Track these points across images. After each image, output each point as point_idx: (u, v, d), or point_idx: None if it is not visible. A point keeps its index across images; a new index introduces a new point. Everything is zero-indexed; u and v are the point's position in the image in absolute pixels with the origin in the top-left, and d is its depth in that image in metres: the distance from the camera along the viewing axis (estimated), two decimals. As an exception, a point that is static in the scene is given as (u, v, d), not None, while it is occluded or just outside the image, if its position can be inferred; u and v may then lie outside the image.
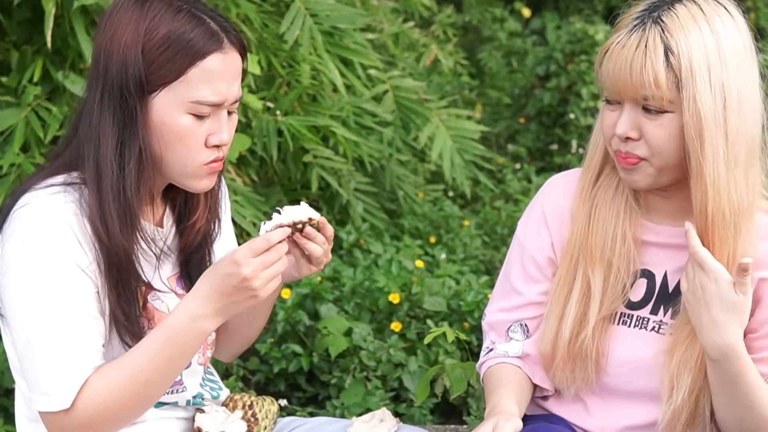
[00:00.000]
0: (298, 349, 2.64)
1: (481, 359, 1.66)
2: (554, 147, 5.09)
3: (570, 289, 1.57)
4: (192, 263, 1.55)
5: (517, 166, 4.92)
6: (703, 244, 1.46)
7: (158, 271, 1.50)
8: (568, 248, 1.57)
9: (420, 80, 3.89)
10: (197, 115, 1.41)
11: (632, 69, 1.44)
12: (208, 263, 1.55)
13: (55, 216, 1.39)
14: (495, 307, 1.65)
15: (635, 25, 1.47)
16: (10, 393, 2.48)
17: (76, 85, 2.53)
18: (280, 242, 1.38)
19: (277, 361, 2.63)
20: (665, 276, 1.56)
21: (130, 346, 1.44)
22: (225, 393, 1.62)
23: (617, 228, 1.54)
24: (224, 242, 1.62)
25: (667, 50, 1.44)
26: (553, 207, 1.61)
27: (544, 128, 5.16)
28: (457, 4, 6.10)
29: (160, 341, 1.39)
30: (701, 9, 1.47)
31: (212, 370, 1.64)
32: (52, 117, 2.55)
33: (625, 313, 1.56)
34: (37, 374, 1.38)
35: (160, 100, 1.40)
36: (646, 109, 1.46)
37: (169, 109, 1.40)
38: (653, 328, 1.56)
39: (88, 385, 1.38)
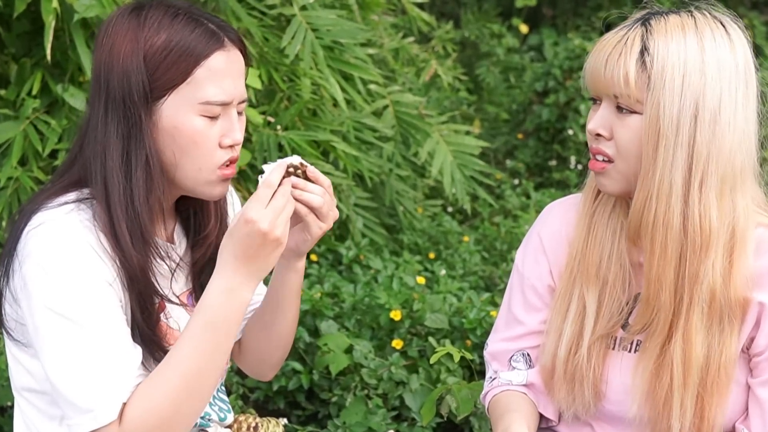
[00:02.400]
0: (297, 366, 2.61)
1: (486, 388, 1.65)
2: (553, 163, 5.09)
3: (567, 306, 1.55)
4: (205, 275, 1.52)
5: (516, 181, 4.92)
6: (642, 248, 1.45)
7: (171, 286, 1.48)
8: (567, 265, 1.57)
9: (419, 95, 3.88)
10: (209, 117, 1.40)
11: (607, 64, 1.43)
12: None
13: (74, 234, 1.36)
14: (497, 337, 1.65)
15: (625, 26, 1.47)
16: (4, 411, 2.44)
17: (75, 99, 2.51)
18: (281, 186, 1.35)
19: (277, 379, 2.60)
20: None
21: (153, 356, 1.41)
22: (231, 417, 1.59)
23: (613, 247, 1.53)
24: None
25: (644, 49, 1.42)
26: (550, 234, 1.60)
27: (542, 144, 5.15)
28: (455, 20, 6.11)
29: (201, 327, 1.34)
30: (695, 21, 1.45)
31: (224, 389, 1.61)
32: (51, 130, 2.53)
33: (625, 338, 1.54)
34: (76, 394, 1.33)
35: (169, 105, 1.39)
36: (618, 108, 1.45)
37: (179, 112, 1.39)
38: None
39: (135, 395, 1.33)
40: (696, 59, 1.42)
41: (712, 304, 1.45)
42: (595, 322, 1.52)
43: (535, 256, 1.61)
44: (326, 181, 1.41)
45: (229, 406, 1.60)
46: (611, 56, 1.43)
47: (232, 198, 1.61)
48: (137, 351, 1.38)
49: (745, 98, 1.45)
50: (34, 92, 2.55)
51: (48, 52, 2.40)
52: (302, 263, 1.51)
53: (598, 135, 1.47)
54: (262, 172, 1.37)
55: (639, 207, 1.45)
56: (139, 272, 1.39)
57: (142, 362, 1.39)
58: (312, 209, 1.41)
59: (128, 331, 1.38)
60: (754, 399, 1.48)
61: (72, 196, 1.41)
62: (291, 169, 1.37)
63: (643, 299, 1.48)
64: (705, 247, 1.44)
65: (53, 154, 2.59)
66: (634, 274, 1.52)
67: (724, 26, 1.46)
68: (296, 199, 1.38)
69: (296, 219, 1.42)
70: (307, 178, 1.39)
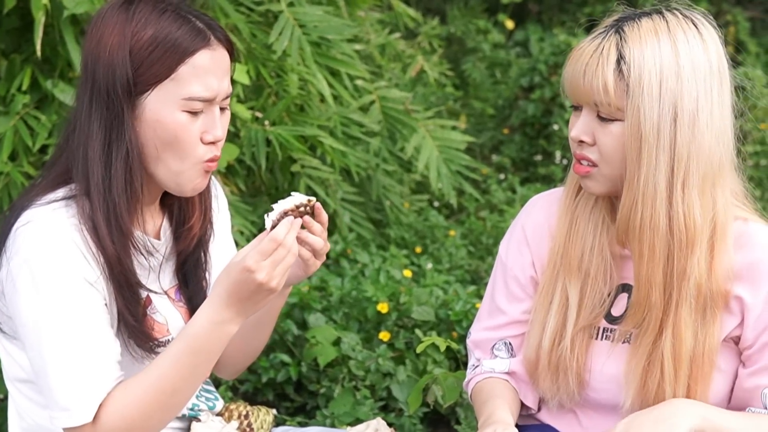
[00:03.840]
0: (286, 358, 2.63)
1: (469, 376, 1.67)
2: (538, 158, 5.12)
3: (551, 298, 1.58)
4: (188, 266, 1.56)
5: (502, 176, 4.94)
6: (630, 250, 1.49)
7: (158, 281, 1.50)
8: (549, 259, 1.59)
9: (406, 91, 3.90)
10: (190, 112, 1.42)
11: (585, 74, 1.46)
12: (203, 265, 1.56)
13: (58, 234, 1.39)
14: (480, 326, 1.68)
15: (599, 33, 1.49)
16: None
17: (65, 94, 2.51)
18: (288, 233, 1.38)
19: (266, 371, 2.62)
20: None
21: (138, 348, 1.44)
22: (220, 404, 1.62)
23: (595, 240, 1.56)
24: (220, 243, 1.62)
25: (620, 58, 1.45)
26: (533, 226, 1.63)
27: (528, 139, 5.18)
28: (442, 16, 6.13)
29: (183, 350, 1.39)
30: (667, 24, 1.47)
31: (209, 380, 1.64)
32: (41, 126, 2.54)
33: (608, 328, 1.57)
34: (56, 390, 1.37)
35: (152, 99, 1.41)
36: (599, 116, 1.48)
37: (162, 107, 1.41)
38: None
39: (111, 397, 1.37)
40: (671, 63, 1.45)
41: (698, 297, 1.49)
42: (577, 313, 1.55)
43: (518, 247, 1.64)
44: (326, 217, 1.45)
45: (216, 395, 1.63)
46: (588, 66, 1.46)
47: (216, 190, 1.64)
48: (117, 349, 1.41)
49: (720, 95, 1.48)
50: (24, 88, 2.55)
51: (38, 47, 2.41)
52: (289, 290, 1.55)
53: (581, 141, 1.50)
54: (271, 209, 1.40)
55: (626, 211, 1.48)
56: (117, 263, 1.41)
57: (130, 352, 1.43)
58: (313, 252, 1.46)
59: (109, 330, 1.41)
60: (741, 388, 1.52)
61: (60, 193, 1.44)
62: (302, 209, 1.40)
63: (633, 301, 1.52)
64: (691, 245, 1.47)
65: (43, 149, 2.60)
66: (615, 266, 1.55)
67: (695, 26, 1.48)
68: (301, 242, 1.43)
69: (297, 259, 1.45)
70: (312, 215, 1.42)
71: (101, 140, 1.41)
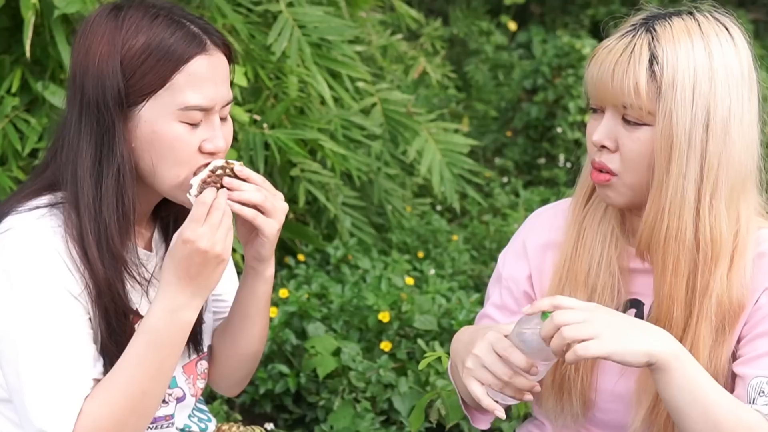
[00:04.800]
0: (284, 369, 2.57)
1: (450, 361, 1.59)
2: (542, 161, 5.07)
3: None
4: None
5: (505, 179, 4.89)
6: (651, 263, 1.42)
7: (147, 297, 1.43)
8: (555, 273, 1.52)
9: (408, 93, 3.84)
10: (189, 123, 1.35)
11: (614, 73, 1.38)
12: None
13: (42, 241, 1.32)
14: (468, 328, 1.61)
15: (627, 32, 1.41)
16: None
17: (55, 97, 2.45)
18: (215, 198, 1.31)
19: (263, 382, 2.56)
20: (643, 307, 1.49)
21: None
22: (213, 425, 1.54)
23: (603, 254, 1.48)
24: None
25: (653, 58, 1.38)
26: (535, 241, 1.56)
27: (531, 142, 5.13)
28: (444, 17, 6.07)
29: (144, 347, 1.31)
30: (699, 25, 1.40)
31: (201, 399, 1.56)
32: (31, 129, 2.47)
33: None
34: (31, 409, 1.30)
35: (147, 111, 1.34)
36: (624, 120, 1.40)
37: (158, 118, 1.34)
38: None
39: (83, 413, 1.30)
40: (705, 66, 1.38)
41: (718, 314, 1.42)
42: None
43: (516, 260, 1.57)
44: (258, 177, 1.36)
45: (210, 416, 1.55)
46: (618, 65, 1.38)
47: None
48: (99, 367, 1.34)
49: (750, 103, 1.41)
50: (13, 90, 2.49)
51: (27, 48, 2.34)
52: (270, 271, 1.46)
53: (602, 147, 1.42)
54: (190, 186, 1.33)
55: (650, 222, 1.40)
56: (106, 287, 1.34)
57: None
58: (255, 207, 1.36)
59: (91, 346, 1.34)
60: (737, 379, 1.42)
61: (44, 199, 1.36)
62: (219, 172, 1.33)
63: (653, 317, 1.44)
64: (716, 259, 1.40)
65: (33, 153, 2.53)
66: (623, 280, 1.48)
67: (727, 29, 1.41)
68: (235, 201, 1.34)
69: (250, 226, 1.38)
70: (237, 178, 1.34)
71: (91, 156, 1.34)
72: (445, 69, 4.92)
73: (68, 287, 1.32)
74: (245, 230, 1.40)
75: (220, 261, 1.30)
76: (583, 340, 1.27)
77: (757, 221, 1.46)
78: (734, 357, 1.45)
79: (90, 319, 1.35)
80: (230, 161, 1.34)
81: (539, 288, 1.55)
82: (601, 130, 1.42)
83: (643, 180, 1.41)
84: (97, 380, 1.34)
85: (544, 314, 1.31)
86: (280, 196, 1.38)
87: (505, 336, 1.36)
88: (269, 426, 2.40)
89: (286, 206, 1.38)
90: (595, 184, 1.46)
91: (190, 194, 1.32)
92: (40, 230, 1.32)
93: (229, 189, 1.33)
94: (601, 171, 1.44)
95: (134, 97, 1.33)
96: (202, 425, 1.52)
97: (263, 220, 1.36)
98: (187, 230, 1.29)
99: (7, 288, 1.31)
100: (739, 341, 1.45)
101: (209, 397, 2.51)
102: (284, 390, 2.56)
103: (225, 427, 1.52)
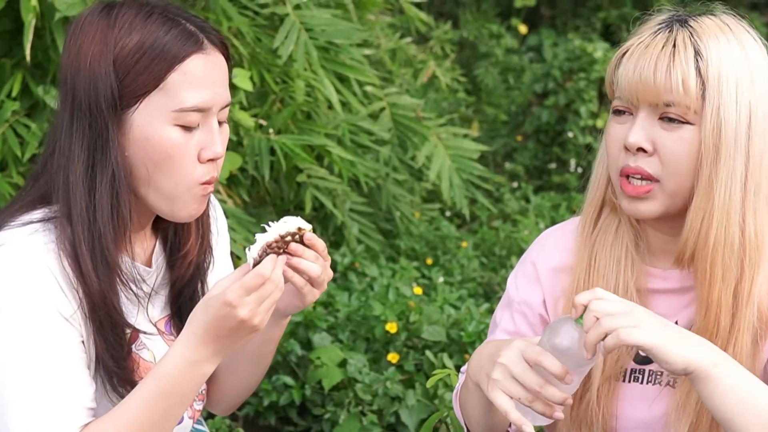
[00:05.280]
0: (289, 380, 2.51)
1: (457, 385, 1.50)
2: (552, 166, 5.01)
3: None
4: (183, 298, 1.42)
5: (515, 184, 4.83)
6: (694, 272, 1.34)
7: (146, 313, 1.37)
8: (568, 299, 1.44)
9: (417, 97, 3.80)
10: (185, 127, 1.28)
11: (657, 69, 1.30)
12: (200, 298, 1.41)
13: (33, 261, 1.25)
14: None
15: (660, 28, 1.34)
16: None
17: (57, 101, 2.40)
18: (274, 269, 1.24)
19: (268, 394, 2.51)
20: (676, 324, 1.38)
21: (121, 394, 1.30)
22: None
23: (619, 278, 1.40)
24: (219, 273, 1.47)
25: (697, 53, 1.31)
26: (546, 264, 1.48)
27: (542, 146, 5.07)
28: (454, 20, 6.02)
29: (154, 393, 1.25)
30: (727, 24, 1.36)
31: (201, 419, 1.51)
32: (31, 134, 2.43)
33: (636, 369, 1.42)
34: None
35: (140, 114, 1.27)
36: (663, 119, 1.33)
37: (151, 122, 1.27)
38: (668, 383, 1.41)
39: None
40: (743, 64, 1.33)
41: (759, 322, 1.35)
42: (603, 362, 1.40)
43: (528, 284, 1.49)
44: (322, 244, 1.29)
45: (208, 432, 1.50)
46: (661, 60, 1.31)
47: (215, 212, 1.50)
48: (89, 391, 1.28)
49: None
50: (14, 94, 2.44)
51: (28, 52, 2.30)
52: (287, 320, 1.42)
53: (639, 150, 1.33)
54: (254, 241, 1.26)
55: (695, 228, 1.33)
56: (100, 300, 1.27)
57: (109, 396, 1.29)
58: (310, 280, 1.31)
59: (83, 372, 1.28)
60: None
61: (38, 213, 1.30)
62: (288, 239, 1.27)
63: (699, 328, 1.36)
64: (758, 263, 1.34)
65: (34, 158, 2.48)
66: (642, 304, 1.39)
67: (746, 30, 1.37)
68: (293, 268, 1.28)
69: (293, 290, 1.32)
70: (303, 244, 1.28)
71: (84, 162, 1.27)
72: (454, 73, 4.87)
73: (60, 309, 1.26)
74: (287, 292, 1.33)
75: (253, 331, 1.25)
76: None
77: None
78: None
79: (83, 342, 1.29)
80: (302, 227, 1.27)
81: (553, 314, 1.47)
82: (637, 131, 1.33)
83: (685, 185, 1.34)
84: (91, 408, 1.28)
85: (579, 320, 1.23)
86: (329, 264, 1.32)
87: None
88: (273, 440, 2.35)
89: (332, 275, 1.33)
90: (628, 198, 1.36)
91: (249, 249, 1.25)
92: (31, 248, 1.26)
93: (290, 254, 1.27)
94: (637, 179, 1.34)
95: (127, 99, 1.26)
96: (200, 444, 1.47)
97: (309, 290, 1.32)
98: (232, 293, 1.22)
99: None
100: None
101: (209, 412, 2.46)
102: (289, 402, 2.50)
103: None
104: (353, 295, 2.81)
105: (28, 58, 2.31)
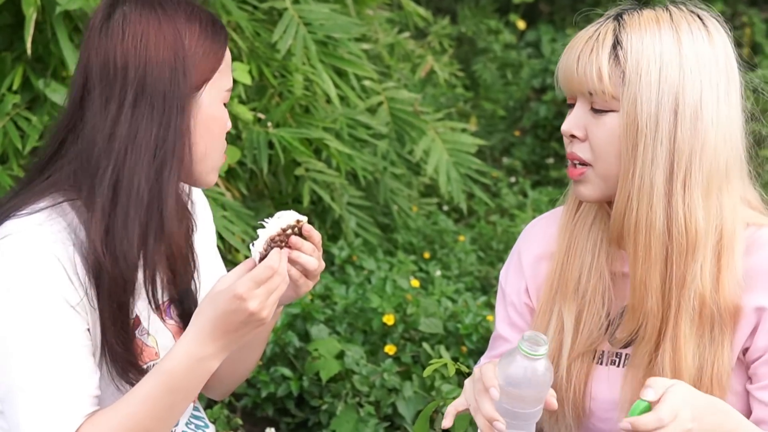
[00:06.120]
0: (287, 372, 2.53)
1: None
2: (550, 161, 5.02)
3: (547, 323, 1.49)
4: (180, 280, 1.45)
5: (512, 179, 4.85)
6: (628, 254, 1.38)
7: (150, 297, 1.40)
8: (547, 281, 1.51)
9: (415, 92, 3.81)
10: (225, 105, 1.41)
11: (579, 61, 1.38)
12: (192, 264, 1.45)
13: (41, 250, 1.28)
14: (486, 355, 1.62)
15: (597, 22, 1.41)
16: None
17: (57, 94, 2.42)
18: (281, 262, 1.30)
19: (265, 385, 2.52)
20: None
21: (129, 380, 1.33)
22: (211, 430, 1.51)
23: (593, 261, 1.46)
24: (206, 258, 1.52)
25: (617, 44, 1.36)
26: (529, 253, 1.55)
27: (539, 141, 5.09)
28: (452, 15, 6.03)
29: (160, 388, 1.28)
30: (671, 16, 1.39)
31: (198, 405, 1.53)
32: (32, 127, 2.44)
33: (614, 353, 1.47)
34: (23, 423, 1.26)
35: (206, 95, 1.37)
36: (593, 109, 1.39)
37: (213, 101, 1.38)
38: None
39: None
40: (672, 52, 1.36)
41: (702, 311, 1.38)
42: (573, 340, 1.46)
43: (514, 274, 1.56)
44: (318, 235, 1.35)
45: (206, 421, 1.52)
46: (583, 53, 1.37)
47: (197, 197, 1.55)
48: (93, 380, 1.30)
49: (726, 94, 1.38)
50: (14, 88, 2.46)
51: (28, 45, 2.32)
52: (281, 309, 1.46)
53: (572, 137, 1.40)
54: (262, 226, 1.31)
55: (620, 208, 1.38)
56: (123, 284, 1.31)
57: (114, 381, 1.31)
58: (305, 272, 1.36)
59: (89, 360, 1.31)
60: (759, 403, 1.40)
61: (46, 201, 1.32)
62: (289, 231, 1.32)
63: (629, 306, 1.42)
64: (691, 250, 1.37)
65: (34, 151, 2.50)
66: (615, 285, 1.46)
67: (701, 19, 1.40)
68: (291, 261, 1.33)
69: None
70: (301, 235, 1.33)
71: (152, 147, 1.31)
72: (452, 68, 4.88)
73: (67, 297, 1.29)
74: None
75: (260, 324, 1.29)
76: None
77: (746, 216, 1.42)
78: (746, 366, 1.41)
79: (89, 330, 1.31)
80: (300, 219, 1.33)
81: (535, 299, 1.52)
82: (570, 119, 1.40)
83: (613, 169, 1.39)
84: (96, 396, 1.30)
85: (520, 346, 1.27)
86: (321, 260, 1.38)
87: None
88: (271, 430, 2.38)
89: (323, 266, 1.39)
90: (572, 180, 1.43)
91: (253, 245, 1.29)
92: (39, 238, 1.29)
93: (290, 248, 1.32)
94: (574, 165, 1.42)
95: (198, 82, 1.34)
96: (199, 431, 1.49)
97: (304, 282, 1.37)
98: (242, 286, 1.26)
99: (4, 298, 1.27)
100: (745, 351, 1.41)
101: (210, 400, 2.48)
102: (287, 393, 2.52)
103: (226, 434, 1.48)
104: (351, 288, 2.83)
105: (29, 51, 2.33)
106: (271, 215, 1.33)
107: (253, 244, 1.30)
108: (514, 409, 1.29)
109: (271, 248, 1.29)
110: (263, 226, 1.31)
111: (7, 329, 1.27)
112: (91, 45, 1.33)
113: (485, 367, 1.34)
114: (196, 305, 1.44)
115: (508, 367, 1.29)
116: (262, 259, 1.28)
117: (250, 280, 1.26)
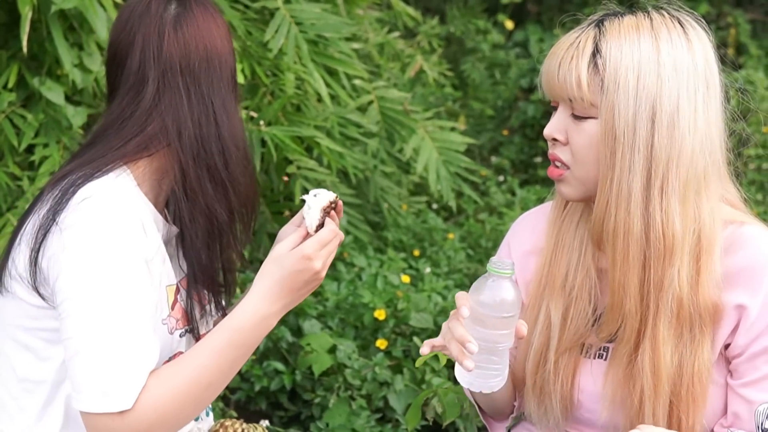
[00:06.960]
0: (280, 366, 2.56)
1: None
2: (538, 160, 5.07)
3: (536, 318, 1.52)
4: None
5: (501, 178, 4.89)
6: (607, 257, 1.42)
7: (178, 263, 1.49)
8: (536, 276, 1.54)
9: (404, 91, 3.84)
10: None
11: (560, 67, 1.40)
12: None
13: (120, 208, 1.36)
14: None
15: (578, 28, 1.43)
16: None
17: (52, 92, 2.44)
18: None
19: (259, 379, 2.55)
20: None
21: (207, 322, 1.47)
22: (210, 419, 1.54)
23: (580, 257, 1.49)
24: None
25: (596, 51, 1.39)
26: (518, 246, 1.58)
27: (527, 141, 5.13)
28: (441, 16, 6.07)
29: (225, 343, 1.36)
30: (651, 22, 1.41)
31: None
32: (27, 125, 2.46)
33: (601, 347, 1.50)
34: (96, 373, 1.30)
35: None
36: (574, 115, 1.42)
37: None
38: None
39: (147, 389, 1.32)
40: (651, 60, 1.38)
41: (680, 312, 1.41)
42: (560, 335, 1.49)
43: None
44: (341, 206, 1.48)
45: (207, 409, 1.55)
46: (563, 60, 1.40)
47: None
48: (157, 339, 1.37)
49: (705, 100, 1.40)
50: (10, 86, 2.48)
51: (24, 44, 2.34)
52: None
53: (554, 140, 1.44)
54: (310, 205, 1.42)
55: (600, 213, 1.41)
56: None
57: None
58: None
59: (154, 316, 1.38)
60: (739, 399, 1.43)
61: (119, 163, 1.41)
62: (332, 205, 1.44)
63: (608, 307, 1.45)
64: (669, 255, 1.40)
65: (30, 149, 2.52)
66: (600, 283, 1.49)
67: (682, 26, 1.41)
68: None
69: None
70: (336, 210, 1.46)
71: (237, 114, 1.45)
72: (441, 67, 4.91)
73: (144, 253, 1.36)
74: None
75: (318, 283, 1.41)
76: None
77: (727, 213, 1.45)
78: (727, 360, 1.45)
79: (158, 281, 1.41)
80: (336, 196, 1.45)
81: (524, 293, 1.55)
82: (552, 123, 1.44)
83: (592, 173, 1.42)
84: (157, 354, 1.37)
85: (488, 267, 1.34)
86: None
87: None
88: (265, 423, 2.40)
89: (343, 237, 1.51)
90: (553, 180, 1.47)
91: (307, 214, 1.41)
92: (117, 195, 1.36)
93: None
94: (555, 165, 1.45)
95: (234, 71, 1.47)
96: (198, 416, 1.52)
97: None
98: (310, 248, 1.37)
99: (88, 251, 1.32)
100: (726, 347, 1.44)
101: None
102: (279, 387, 2.55)
103: (228, 423, 1.52)
104: (342, 284, 2.87)
105: (24, 50, 2.35)
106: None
107: (308, 213, 1.41)
108: (485, 334, 1.33)
109: (324, 218, 1.41)
110: (304, 202, 1.43)
111: (88, 281, 1.31)
112: (166, 37, 1.42)
113: (458, 293, 1.39)
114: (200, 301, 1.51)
115: (478, 288, 1.35)
116: (320, 225, 1.39)
117: (317, 242, 1.37)
